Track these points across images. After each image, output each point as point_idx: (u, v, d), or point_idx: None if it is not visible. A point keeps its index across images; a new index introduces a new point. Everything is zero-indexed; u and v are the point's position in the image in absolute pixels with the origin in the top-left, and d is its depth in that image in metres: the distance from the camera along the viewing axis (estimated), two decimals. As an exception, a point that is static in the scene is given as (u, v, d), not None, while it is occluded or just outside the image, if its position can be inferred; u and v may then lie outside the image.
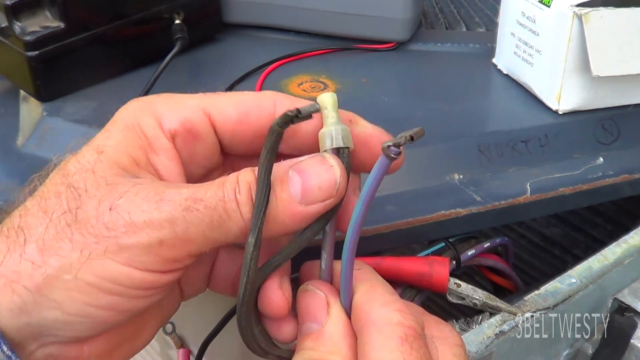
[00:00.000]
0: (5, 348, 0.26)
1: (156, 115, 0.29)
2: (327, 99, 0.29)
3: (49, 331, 0.27)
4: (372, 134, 0.30)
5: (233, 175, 0.27)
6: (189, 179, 0.30)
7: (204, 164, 0.31)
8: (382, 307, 0.27)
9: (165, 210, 0.26)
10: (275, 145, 0.26)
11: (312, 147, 0.30)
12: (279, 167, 0.27)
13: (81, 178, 0.27)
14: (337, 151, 0.28)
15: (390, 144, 0.25)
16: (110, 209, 0.26)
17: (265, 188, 0.27)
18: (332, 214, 0.29)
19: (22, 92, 0.54)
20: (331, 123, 0.29)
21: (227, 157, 0.32)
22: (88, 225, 0.26)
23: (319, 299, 0.28)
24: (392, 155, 0.25)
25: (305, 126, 0.29)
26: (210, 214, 0.26)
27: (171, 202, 0.26)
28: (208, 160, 0.31)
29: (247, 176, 0.27)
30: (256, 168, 0.27)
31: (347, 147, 0.28)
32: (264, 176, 0.27)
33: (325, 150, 0.28)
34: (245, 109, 0.30)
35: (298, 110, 0.25)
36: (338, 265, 0.29)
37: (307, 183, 0.27)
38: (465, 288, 0.40)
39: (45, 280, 0.26)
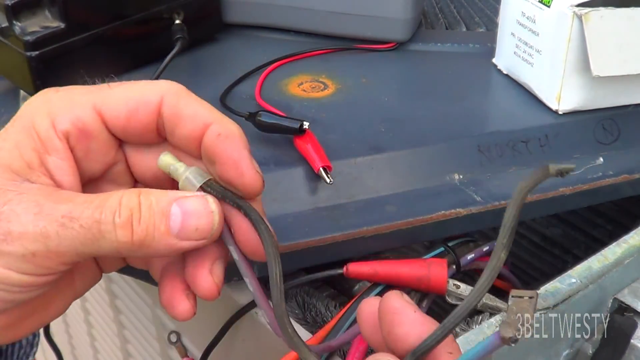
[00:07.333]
0: None
1: (51, 116, 0.30)
2: (167, 158, 0.31)
3: None
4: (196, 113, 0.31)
5: (115, 197, 0.28)
6: (88, 176, 0.32)
7: (101, 159, 0.32)
8: None
9: (40, 224, 0.27)
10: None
11: (191, 148, 0.31)
12: (163, 198, 0.29)
13: None
14: (207, 185, 0.30)
15: (513, 337, 0.22)
16: None
17: None
18: None
19: (22, 92, 0.54)
20: (182, 172, 0.30)
21: (127, 146, 0.33)
22: None
23: None
24: (512, 344, 0.22)
25: (182, 130, 0.31)
26: (85, 233, 0.27)
27: (48, 216, 0.27)
28: (104, 156, 0.32)
29: (130, 201, 0.28)
30: (142, 190, 0.28)
31: (210, 178, 0.30)
32: None
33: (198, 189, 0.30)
34: (134, 105, 0.31)
35: (560, 171, 0.24)
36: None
37: (186, 222, 0.29)
38: (465, 289, 0.40)
39: None
